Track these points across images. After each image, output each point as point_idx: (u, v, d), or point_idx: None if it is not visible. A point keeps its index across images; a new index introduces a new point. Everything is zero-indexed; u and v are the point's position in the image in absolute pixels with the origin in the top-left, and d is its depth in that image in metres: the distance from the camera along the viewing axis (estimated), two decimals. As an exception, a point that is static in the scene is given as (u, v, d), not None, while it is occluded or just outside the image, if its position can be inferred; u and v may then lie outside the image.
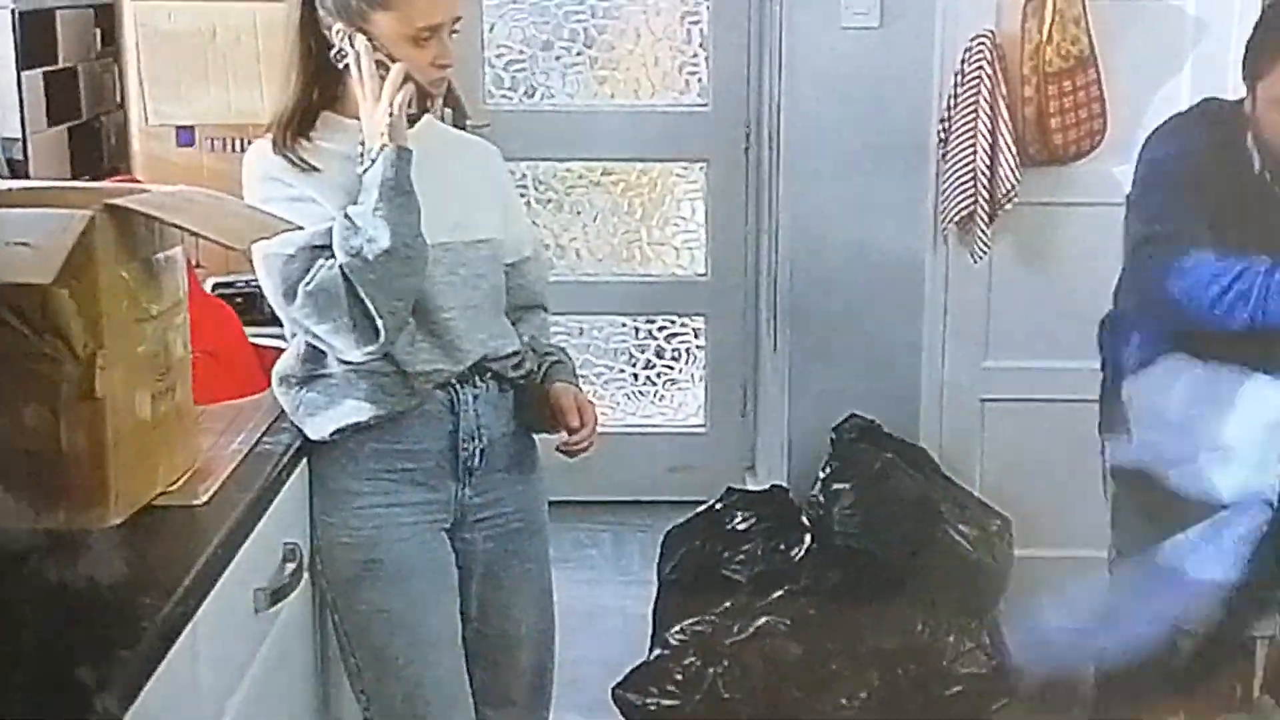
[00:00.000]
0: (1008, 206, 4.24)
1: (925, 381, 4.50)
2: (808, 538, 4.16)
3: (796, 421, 4.57)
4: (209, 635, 2.06)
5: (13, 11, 3.27)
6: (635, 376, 5.61)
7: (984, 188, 4.22)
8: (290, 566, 2.51)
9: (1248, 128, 3.18)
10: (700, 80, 5.34)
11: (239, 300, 3.28)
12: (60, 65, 3.52)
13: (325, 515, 2.70)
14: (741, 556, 4.15)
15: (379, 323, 2.52)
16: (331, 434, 2.64)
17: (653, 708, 4.00)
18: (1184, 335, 3.17)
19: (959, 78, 4.23)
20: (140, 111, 3.64)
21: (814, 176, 4.42)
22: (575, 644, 3.98)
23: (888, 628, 4.05)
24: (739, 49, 5.24)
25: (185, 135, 3.67)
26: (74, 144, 3.57)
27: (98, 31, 3.73)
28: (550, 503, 2.95)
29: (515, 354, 2.78)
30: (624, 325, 5.59)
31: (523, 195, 5.22)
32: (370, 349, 2.55)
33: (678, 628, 4.07)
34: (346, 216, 2.54)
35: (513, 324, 2.83)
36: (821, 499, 4.20)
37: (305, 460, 2.66)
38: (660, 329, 5.58)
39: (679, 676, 4.00)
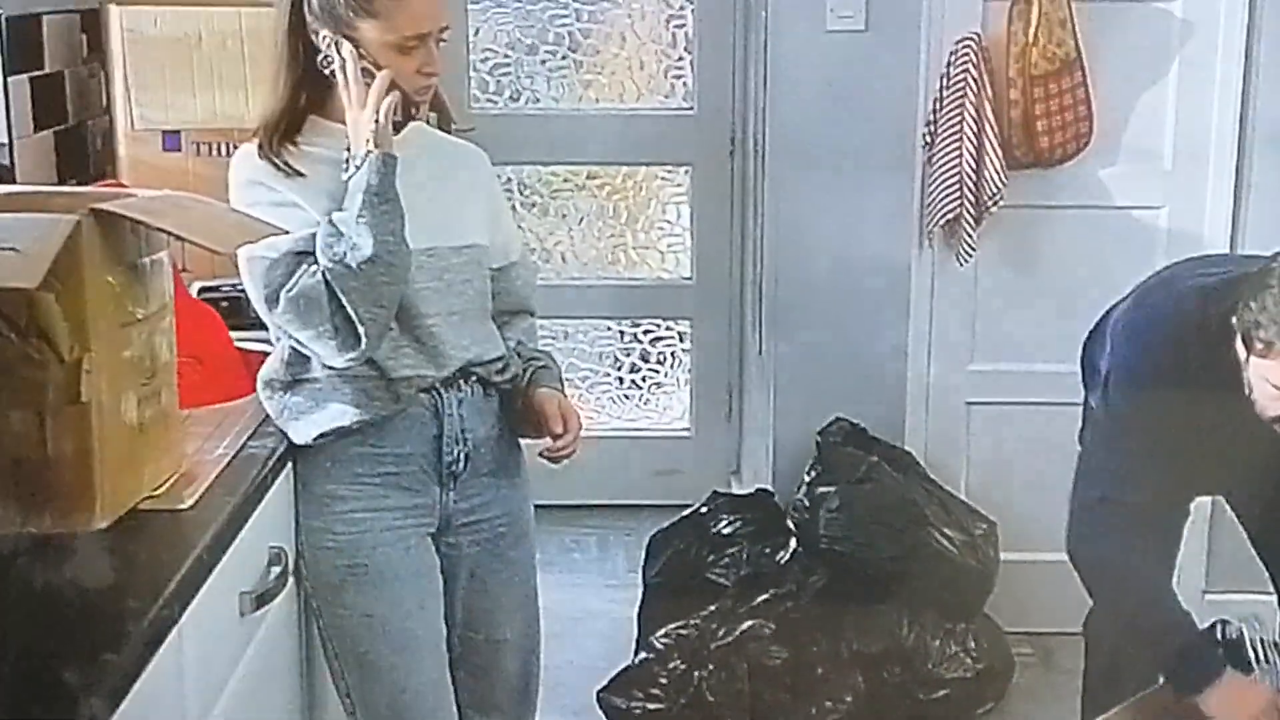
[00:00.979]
0: (993, 209, 4.24)
1: (910, 385, 4.50)
2: (793, 541, 4.17)
3: (781, 425, 4.57)
4: (194, 639, 2.06)
5: (-2, 17, 3.27)
6: (620, 380, 5.61)
7: (969, 191, 4.22)
8: (275, 570, 2.51)
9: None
10: (685, 84, 5.35)
11: (224, 304, 3.27)
12: (46, 70, 3.52)
13: (310, 519, 2.70)
14: (727, 560, 4.15)
15: (360, 330, 2.51)
16: (316, 438, 2.64)
17: (638, 712, 4.00)
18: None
19: (944, 81, 4.23)
20: (126, 116, 3.63)
21: (799, 180, 4.42)
22: (560, 648, 3.99)
23: (873, 631, 4.06)
24: (724, 52, 5.24)
25: (171, 140, 3.66)
26: (60, 149, 3.57)
27: (84, 37, 3.73)
28: (535, 506, 2.95)
29: (500, 359, 2.78)
30: (609, 329, 5.59)
31: (508, 199, 5.21)
32: (351, 356, 2.55)
33: (663, 631, 4.07)
34: (330, 222, 2.54)
35: (499, 328, 2.83)
36: (807, 502, 4.21)
37: (290, 464, 2.66)
38: (645, 333, 5.58)
39: (664, 680, 4.01)
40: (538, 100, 5.38)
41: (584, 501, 5.33)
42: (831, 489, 4.18)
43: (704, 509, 4.29)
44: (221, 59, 3.61)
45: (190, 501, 2.28)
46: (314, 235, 2.53)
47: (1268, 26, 4.20)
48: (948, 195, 4.23)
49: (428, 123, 2.87)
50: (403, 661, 2.72)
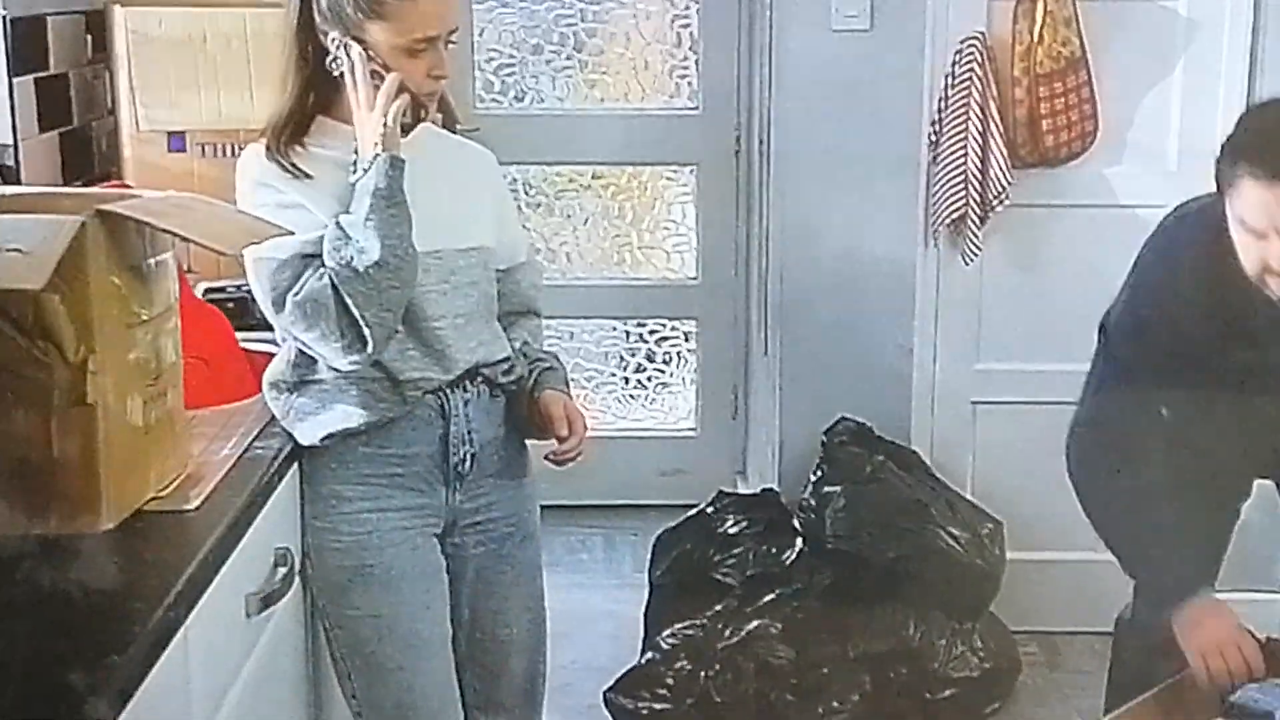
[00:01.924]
0: (999, 208, 4.24)
1: (916, 384, 4.49)
2: (799, 541, 4.17)
3: (787, 424, 4.57)
4: (200, 640, 2.06)
5: (3, 18, 3.26)
6: (626, 380, 5.61)
7: (975, 190, 4.22)
8: (281, 571, 2.51)
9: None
10: (690, 84, 5.35)
11: (230, 305, 3.27)
12: (51, 71, 3.52)
13: (316, 520, 2.69)
14: (733, 560, 4.15)
15: (366, 333, 2.51)
16: (322, 439, 2.64)
17: (644, 712, 4.00)
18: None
19: (950, 80, 4.23)
20: (131, 117, 3.62)
21: (804, 179, 4.42)
22: (567, 648, 3.99)
23: (879, 631, 4.06)
24: (729, 52, 5.24)
25: (176, 141, 3.66)
26: (65, 150, 3.57)
27: (89, 38, 3.73)
28: (541, 506, 2.95)
29: (506, 360, 2.78)
30: (614, 329, 5.59)
31: (513, 199, 5.22)
32: (357, 359, 2.55)
33: (669, 631, 4.07)
34: (338, 225, 2.54)
35: (505, 329, 2.82)
36: (813, 502, 4.21)
37: (296, 465, 2.66)
38: (651, 333, 5.58)
39: (670, 680, 4.01)
40: (543, 100, 5.38)
41: (590, 502, 5.33)
42: (837, 488, 4.18)
43: (710, 509, 4.29)
44: (226, 60, 3.60)
45: (196, 503, 2.28)
46: (321, 238, 2.53)
47: (1273, 25, 4.19)
48: (953, 194, 4.23)
49: (433, 123, 2.87)
50: (409, 662, 2.72)
